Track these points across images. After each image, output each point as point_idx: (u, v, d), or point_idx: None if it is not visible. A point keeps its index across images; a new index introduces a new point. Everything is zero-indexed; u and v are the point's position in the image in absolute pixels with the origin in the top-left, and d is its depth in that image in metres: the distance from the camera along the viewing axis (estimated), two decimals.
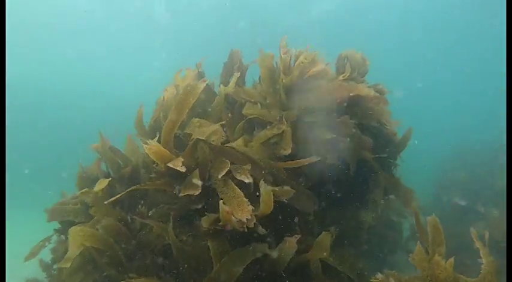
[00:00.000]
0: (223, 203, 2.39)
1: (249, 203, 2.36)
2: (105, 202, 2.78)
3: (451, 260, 2.06)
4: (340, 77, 3.42)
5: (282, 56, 3.45)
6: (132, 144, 3.64)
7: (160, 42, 25.90)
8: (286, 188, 2.64)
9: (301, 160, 2.80)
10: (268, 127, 3.17)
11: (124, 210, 3.15)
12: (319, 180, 3.20)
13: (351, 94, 3.10)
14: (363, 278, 2.86)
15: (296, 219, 2.98)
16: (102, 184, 3.09)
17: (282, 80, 3.26)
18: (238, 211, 2.33)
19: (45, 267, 3.63)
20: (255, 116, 3.24)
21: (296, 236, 2.52)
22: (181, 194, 2.55)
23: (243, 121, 3.24)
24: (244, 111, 3.26)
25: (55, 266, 3.50)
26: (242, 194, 2.41)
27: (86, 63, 26.54)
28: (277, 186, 2.74)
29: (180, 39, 25.63)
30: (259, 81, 3.61)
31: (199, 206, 2.64)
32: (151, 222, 2.74)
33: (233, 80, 3.51)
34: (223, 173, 2.53)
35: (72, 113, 28.32)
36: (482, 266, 1.96)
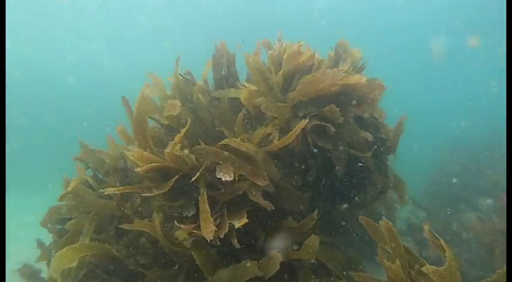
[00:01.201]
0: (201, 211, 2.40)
1: (213, 222, 2.31)
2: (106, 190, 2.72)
3: (398, 262, 2.07)
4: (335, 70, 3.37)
5: (269, 53, 3.40)
6: (114, 143, 3.62)
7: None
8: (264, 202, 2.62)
9: (284, 139, 2.72)
10: (265, 124, 3.16)
11: (122, 198, 3.13)
12: (314, 177, 3.21)
13: (340, 83, 2.97)
14: (354, 267, 2.89)
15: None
16: (73, 184, 3.11)
17: (273, 76, 3.22)
18: (204, 228, 2.31)
19: (46, 253, 3.64)
20: (254, 105, 3.20)
21: (280, 256, 2.50)
22: (143, 194, 2.52)
23: (241, 116, 3.19)
24: (243, 101, 3.23)
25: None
26: (209, 210, 2.37)
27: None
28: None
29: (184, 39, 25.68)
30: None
31: (190, 214, 2.60)
32: (140, 224, 2.69)
33: (205, 69, 3.59)
34: (195, 178, 2.49)
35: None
36: (446, 254, 2.03)
